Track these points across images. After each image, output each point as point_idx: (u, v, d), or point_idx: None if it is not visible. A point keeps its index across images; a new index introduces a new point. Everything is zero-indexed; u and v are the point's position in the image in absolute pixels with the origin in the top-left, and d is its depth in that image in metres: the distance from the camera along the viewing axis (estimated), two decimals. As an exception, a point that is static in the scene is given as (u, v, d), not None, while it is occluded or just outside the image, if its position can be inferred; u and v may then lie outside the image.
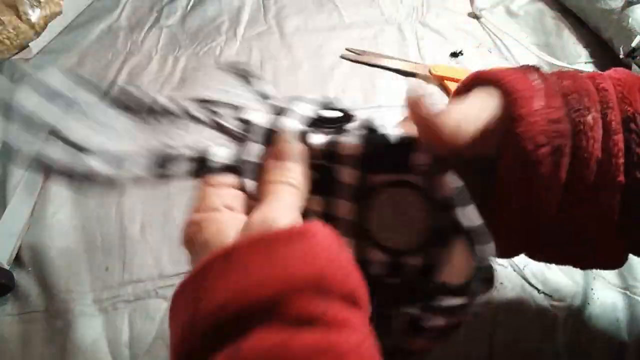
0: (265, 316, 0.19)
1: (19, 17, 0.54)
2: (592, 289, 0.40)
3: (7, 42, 0.54)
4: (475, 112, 0.26)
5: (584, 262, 0.30)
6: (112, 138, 0.26)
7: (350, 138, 0.26)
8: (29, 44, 0.56)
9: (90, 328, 0.40)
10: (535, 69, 0.28)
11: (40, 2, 0.55)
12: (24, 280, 0.43)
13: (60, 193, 0.48)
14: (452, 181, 0.26)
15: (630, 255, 0.42)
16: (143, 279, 0.43)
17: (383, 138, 0.26)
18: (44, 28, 0.56)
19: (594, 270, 0.41)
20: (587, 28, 0.62)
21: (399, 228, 0.28)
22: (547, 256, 0.31)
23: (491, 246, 0.26)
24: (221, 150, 0.27)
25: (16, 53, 0.56)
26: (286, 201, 0.24)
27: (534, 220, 0.28)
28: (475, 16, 0.62)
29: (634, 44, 0.53)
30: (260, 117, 0.27)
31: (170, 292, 0.42)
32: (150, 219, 0.46)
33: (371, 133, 0.27)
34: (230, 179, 0.26)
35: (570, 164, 0.26)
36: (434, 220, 0.28)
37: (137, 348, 0.39)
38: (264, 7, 0.62)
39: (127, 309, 0.41)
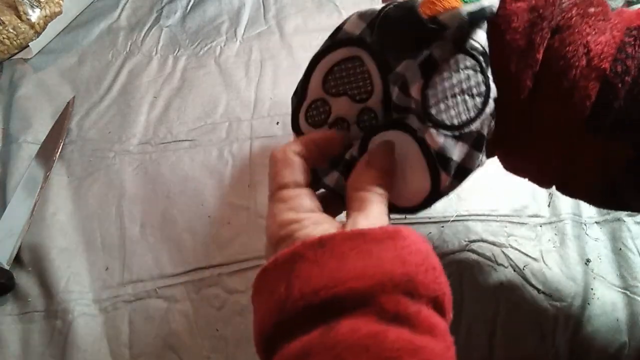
0: (358, 306, 0.21)
1: (19, 17, 0.54)
2: (592, 289, 0.40)
3: (7, 42, 0.54)
4: None
5: (550, 166, 0.31)
6: None
7: None
8: (29, 44, 0.56)
9: (90, 328, 0.40)
10: None
11: (40, 2, 0.55)
12: (24, 280, 0.43)
13: (60, 193, 0.48)
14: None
15: (631, 256, 0.42)
16: (143, 279, 0.43)
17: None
18: (44, 28, 0.56)
19: (594, 270, 0.41)
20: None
21: None
22: (514, 153, 0.32)
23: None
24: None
25: (16, 53, 0.56)
26: (381, 209, 0.26)
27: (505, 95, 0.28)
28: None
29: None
30: None
31: (170, 292, 0.42)
32: (150, 219, 0.46)
33: None
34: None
35: (560, 41, 0.27)
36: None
37: (137, 348, 0.39)
38: (264, 7, 0.62)
39: (127, 309, 0.41)
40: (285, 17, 0.61)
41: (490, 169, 0.47)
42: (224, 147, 0.50)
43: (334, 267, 0.21)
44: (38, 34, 0.55)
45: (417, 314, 0.21)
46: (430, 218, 0.44)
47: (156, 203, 0.47)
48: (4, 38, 0.53)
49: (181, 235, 0.45)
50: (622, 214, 0.44)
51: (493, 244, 0.43)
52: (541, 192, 0.46)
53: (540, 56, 0.27)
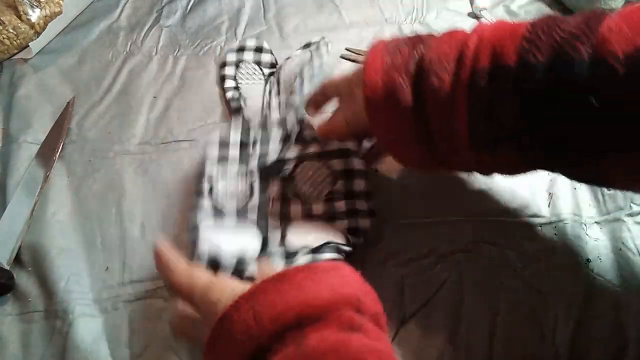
0: (320, 321, 0.25)
1: (19, 17, 0.54)
2: (591, 288, 0.40)
3: (7, 42, 0.54)
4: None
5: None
6: None
7: None
8: (29, 44, 0.56)
9: (90, 328, 0.40)
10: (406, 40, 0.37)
11: (40, 2, 0.55)
12: (24, 280, 0.43)
13: (60, 193, 0.48)
14: None
15: (631, 256, 0.42)
16: (143, 279, 0.43)
17: None
18: (44, 28, 0.56)
19: (594, 270, 0.41)
20: (587, 28, 0.61)
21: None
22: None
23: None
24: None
25: (16, 53, 0.56)
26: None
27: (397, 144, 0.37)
28: (475, 16, 0.62)
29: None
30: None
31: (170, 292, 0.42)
32: (150, 219, 0.46)
33: None
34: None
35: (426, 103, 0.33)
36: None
37: (137, 348, 0.39)
38: (264, 7, 0.62)
39: (127, 309, 0.41)
40: (285, 17, 0.61)
41: (490, 169, 0.47)
42: (224, 147, 0.50)
43: (294, 294, 0.26)
44: (38, 34, 0.56)
45: (366, 325, 0.26)
46: (430, 218, 0.44)
47: (156, 203, 0.47)
48: (4, 38, 0.53)
49: (181, 235, 0.45)
50: (622, 214, 0.44)
51: (493, 244, 0.43)
52: (541, 192, 0.46)
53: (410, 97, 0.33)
